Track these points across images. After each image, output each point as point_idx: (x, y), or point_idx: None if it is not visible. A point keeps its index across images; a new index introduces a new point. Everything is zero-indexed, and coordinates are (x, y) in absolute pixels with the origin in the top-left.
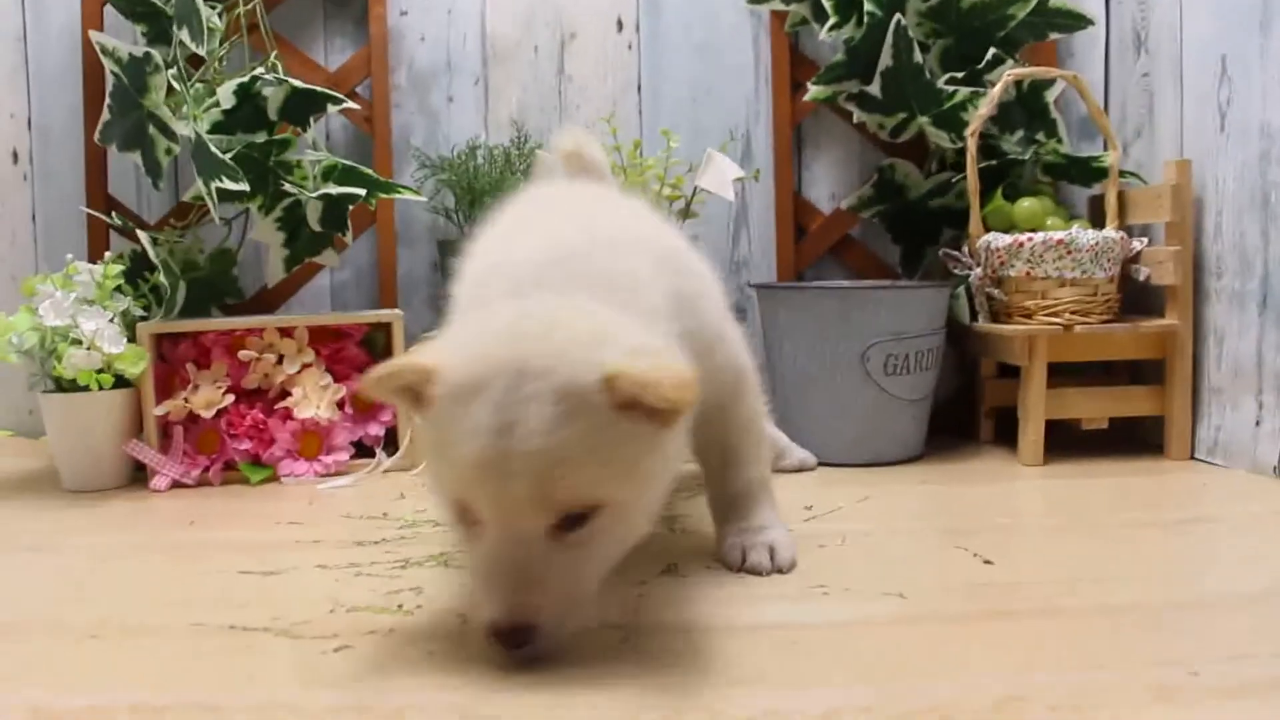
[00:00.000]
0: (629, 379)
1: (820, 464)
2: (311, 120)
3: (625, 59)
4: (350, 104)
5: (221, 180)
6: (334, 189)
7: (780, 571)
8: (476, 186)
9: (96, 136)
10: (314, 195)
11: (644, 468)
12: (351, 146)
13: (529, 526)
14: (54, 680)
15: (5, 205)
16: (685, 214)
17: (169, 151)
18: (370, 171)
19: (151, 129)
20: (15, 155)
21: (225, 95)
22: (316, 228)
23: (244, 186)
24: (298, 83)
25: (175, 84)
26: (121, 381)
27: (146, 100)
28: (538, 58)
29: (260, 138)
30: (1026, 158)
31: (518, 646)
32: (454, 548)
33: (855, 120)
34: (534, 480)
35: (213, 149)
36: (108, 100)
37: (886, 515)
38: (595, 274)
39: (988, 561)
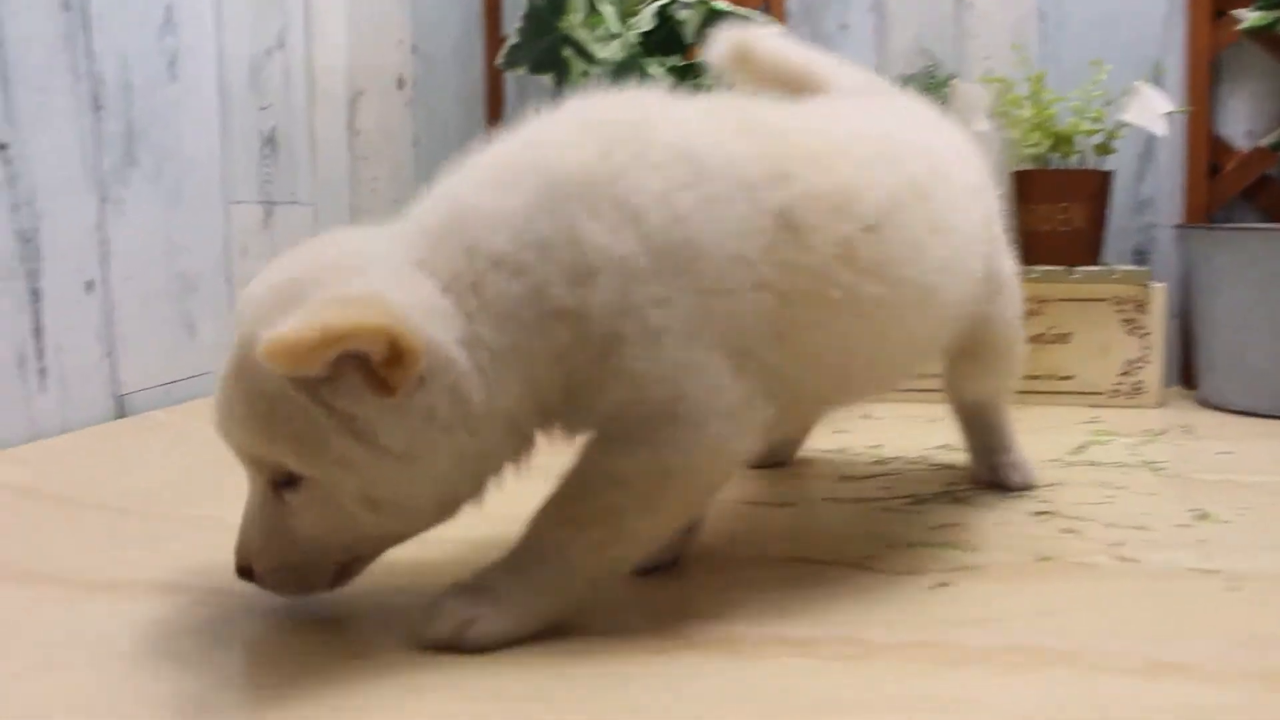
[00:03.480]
0: (260, 346)
1: (1259, 415)
2: None
3: None
4: (778, 27)
5: None
6: None
7: None
8: None
9: (500, 60)
10: None
11: (334, 449)
12: None
13: (252, 476)
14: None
15: (390, 131)
16: (1103, 149)
17: (585, 74)
18: None
19: (567, 51)
20: (401, 81)
21: (646, 18)
22: None
23: None
24: (719, 4)
25: (598, 6)
26: None
27: (563, 23)
28: None
29: (673, 61)
30: None
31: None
32: (956, 483)
33: None
34: (227, 431)
35: (651, 71)
36: (519, 23)
37: None
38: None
39: None
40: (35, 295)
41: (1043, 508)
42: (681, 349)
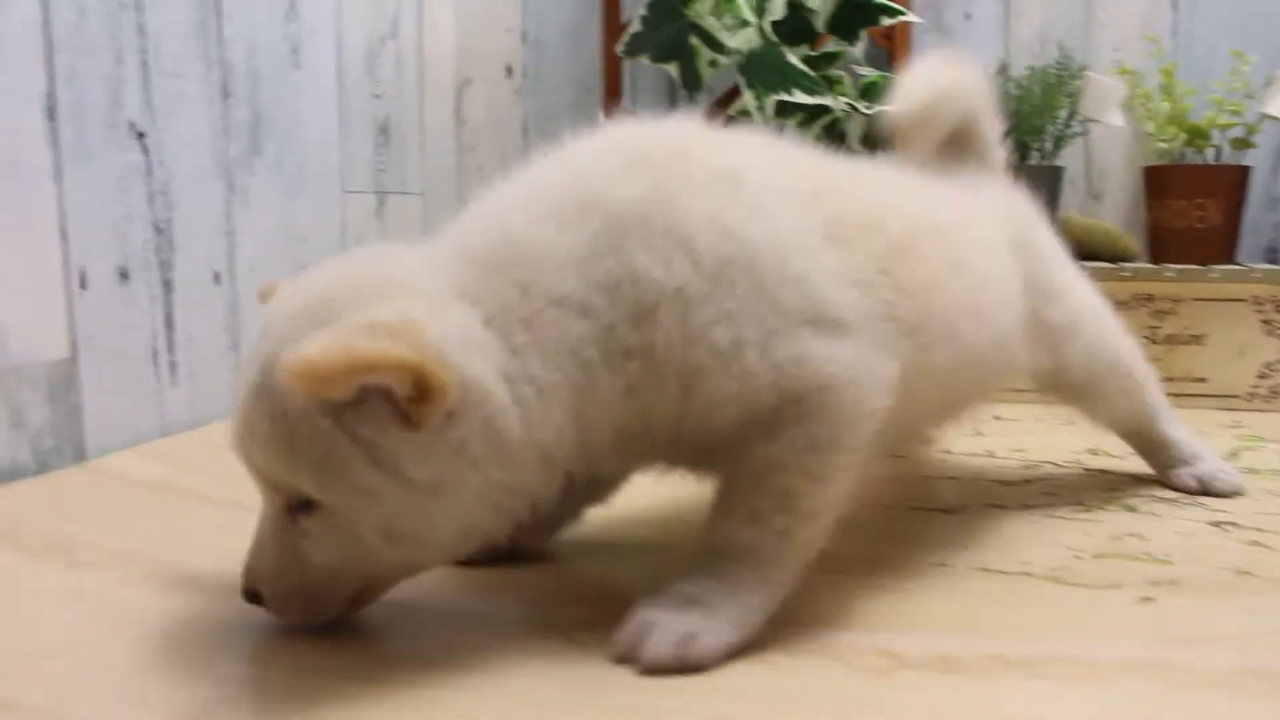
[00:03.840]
0: (284, 365)
1: None
2: (861, 33)
3: None
4: (908, 15)
5: (790, 93)
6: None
7: None
8: (1018, 109)
9: (621, 48)
10: (868, 111)
11: (356, 477)
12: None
13: (267, 498)
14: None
15: (498, 119)
16: (1242, 144)
17: (713, 63)
18: None
19: (693, 39)
20: (509, 70)
21: (778, 6)
22: (857, 147)
23: (823, 100)
24: None
25: None
26: None
27: (691, 10)
28: None
29: (802, 50)
30: None
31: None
32: (1118, 489)
33: None
34: (245, 451)
35: (790, 58)
36: (643, 11)
37: None
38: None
39: None
40: (167, 287)
41: (1220, 517)
42: (765, 353)
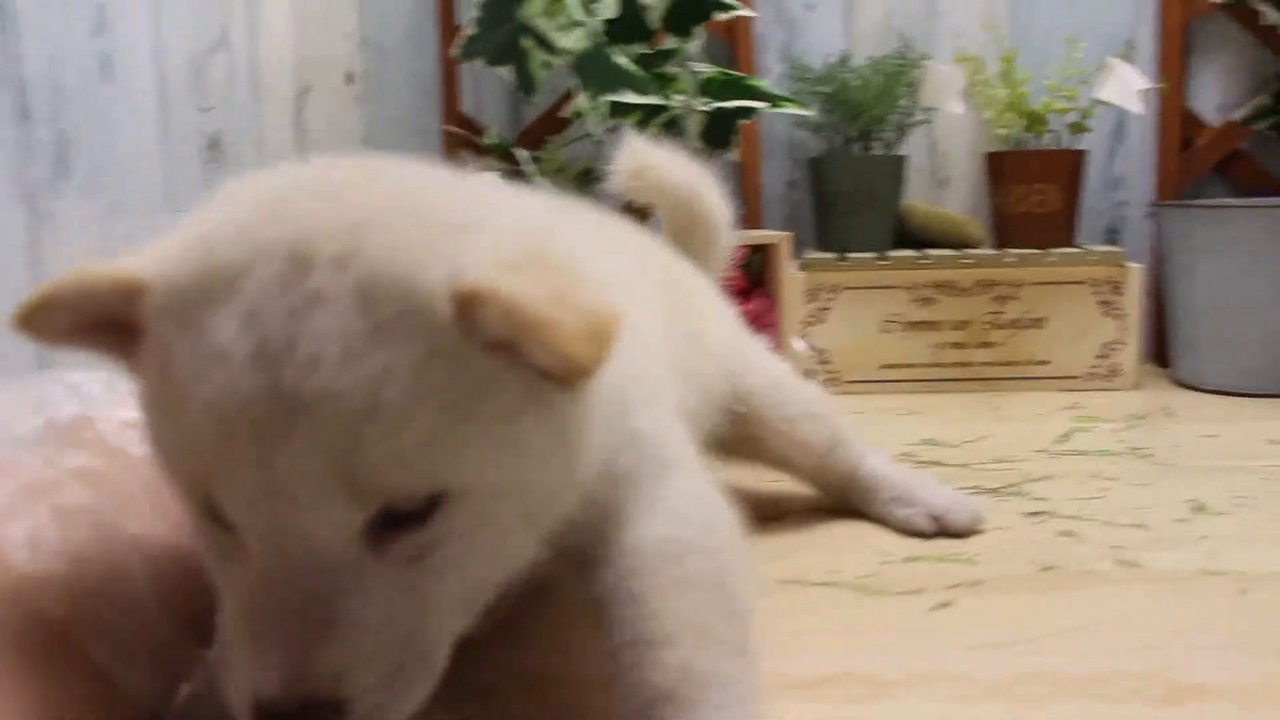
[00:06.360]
0: (499, 305)
1: (1238, 394)
2: (696, 29)
3: None
4: (743, 9)
5: (620, 93)
6: (727, 103)
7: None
8: (859, 100)
9: (456, 51)
10: (704, 109)
11: (519, 440)
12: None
13: (323, 530)
14: None
15: (339, 128)
16: (1077, 128)
17: (546, 65)
18: (761, 82)
19: (526, 41)
20: (350, 76)
21: (610, 4)
22: (696, 144)
23: (654, 99)
24: None
25: None
26: None
27: (522, 12)
28: None
29: (637, 49)
30: None
31: None
32: (946, 482)
33: (1262, 23)
34: (329, 443)
35: (618, 60)
36: (476, 13)
37: None
38: None
39: None
40: None
41: (1037, 507)
42: None
